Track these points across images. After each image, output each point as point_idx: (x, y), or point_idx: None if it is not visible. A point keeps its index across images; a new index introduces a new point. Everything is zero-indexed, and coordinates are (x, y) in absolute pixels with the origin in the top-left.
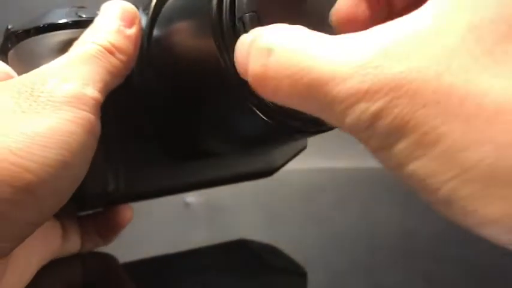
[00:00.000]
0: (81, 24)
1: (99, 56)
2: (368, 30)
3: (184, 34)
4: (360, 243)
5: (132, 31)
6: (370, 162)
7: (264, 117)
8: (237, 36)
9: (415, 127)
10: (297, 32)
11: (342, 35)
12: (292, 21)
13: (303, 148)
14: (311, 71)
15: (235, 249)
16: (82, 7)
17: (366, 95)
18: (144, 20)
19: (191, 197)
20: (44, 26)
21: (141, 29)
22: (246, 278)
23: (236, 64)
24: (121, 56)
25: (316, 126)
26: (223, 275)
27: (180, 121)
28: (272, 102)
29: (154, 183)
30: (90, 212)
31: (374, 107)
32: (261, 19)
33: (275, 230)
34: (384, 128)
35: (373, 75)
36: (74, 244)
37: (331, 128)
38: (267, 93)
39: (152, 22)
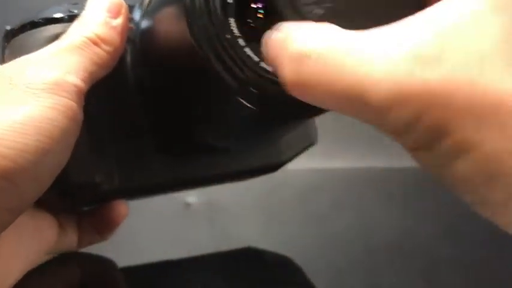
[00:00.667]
0: (74, 18)
1: (83, 47)
2: (401, 29)
3: (164, 24)
4: (359, 243)
5: (118, 22)
6: (370, 162)
7: (248, 105)
8: (210, 18)
9: (451, 133)
10: (329, 34)
11: (374, 33)
12: None
13: (311, 143)
14: (347, 76)
15: (242, 258)
16: (76, 3)
17: (403, 100)
18: (138, 13)
19: (192, 197)
20: (38, 20)
21: (128, 20)
22: None
23: (268, 61)
24: (107, 47)
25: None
26: (224, 285)
27: (172, 115)
28: (256, 88)
29: (149, 179)
30: (87, 208)
31: (410, 111)
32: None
33: (275, 229)
34: (420, 133)
35: (408, 82)
36: (70, 240)
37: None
38: (303, 97)
39: (143, 14)
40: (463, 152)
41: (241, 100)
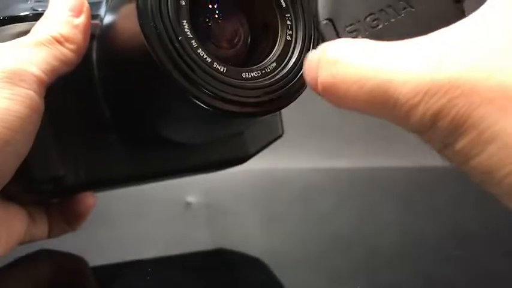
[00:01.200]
0: (37, 17)
1: (47, 43)
2: (422, 37)
3: (120, 23)
4: (359, 243)
5: (80, 20)
6: (370, 162)
7: (194, 100)
8: (163, 20)
9: (473, 125)
10: (358, 44)
11: (399, 42)
12: None
13: (278, 136)
14: (373, 77)
15: (212, 258)
16: (39, 1)
17: (425, 96)
18: (103, 10)
19: (192, 197)
20: (3, 18)
21: (90, 18)
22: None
23: (306, 78)
24: (70, 46)
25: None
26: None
27: (132, 110)
28: (206, 88)
29: (114, 172)
30: (55, 200)
31: (434, 107)
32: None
33: (275, 229)
34: (445, 127)
35: (430, 78)
36: (41, 230)
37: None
38: (336, 101)
39: (106, 10)
40: (487, 142)
41: (192, 98)
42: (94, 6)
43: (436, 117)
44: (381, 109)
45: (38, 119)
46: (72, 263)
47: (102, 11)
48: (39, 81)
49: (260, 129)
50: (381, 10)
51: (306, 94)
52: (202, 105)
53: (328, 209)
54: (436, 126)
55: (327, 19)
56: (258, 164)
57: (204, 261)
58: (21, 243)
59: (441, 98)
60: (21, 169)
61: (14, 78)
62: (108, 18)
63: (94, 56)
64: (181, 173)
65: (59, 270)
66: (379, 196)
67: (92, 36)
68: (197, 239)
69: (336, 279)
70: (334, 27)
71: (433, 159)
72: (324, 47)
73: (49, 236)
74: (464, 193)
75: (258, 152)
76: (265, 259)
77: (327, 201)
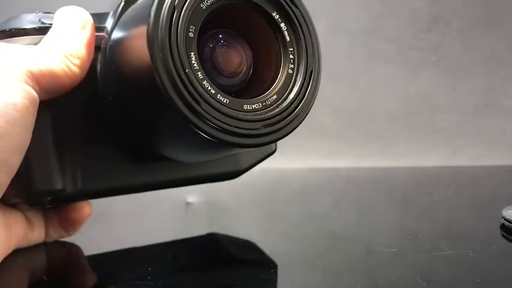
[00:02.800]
0: (44, 30)
1: (53, 53)
2: None
3: (130, 43)
4: (359, 243)
5: (83, 36)
6: (370, 162)
7: (198, 131)
8: (171, 51)
9: None
10: None
11: None
12: None
13: (272, 152)
14: None
15: (204, 243)
16: (48, 12)
17: None
18: (111, 22)
19: (192, 197)
20: (9, 30)
21: (94, 33)
22: (214, 271)
23: None
24: (74, 60)
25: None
26: (188, 269)
27: (133, 126)
28: (209, 120)
29: (111, 182)
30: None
31: None
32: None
33: (275, 229)
34: None
35: None
36: (38, 234)
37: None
38: None
39: (115, 24)
40: None
41: (196, 129)
42: (99, 17)
43: None
44: None
45: (34, 110)
46: (66, 250)
47: (108, 23)
48: (32, 76)
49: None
50: None
51: None
52: (205, 136)
53: (328, 208)
54: None
55: None
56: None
57: (203, 260)
58: (18, 247)
59: None
60: (23, 183)
61: (7, 73)
62: (117, 34)
63: (98, 67)
64: (177, 185)
65: (55, 259)
66: (379, 196)
67: (97, 48)
68: (197, 239)
69: (335, 278)
70: None
71: (431, 160)
72: None
73: (46, 239)
74: (461, 193)
75: (251, 167)
76: (264, 258)
77: (326, 201)
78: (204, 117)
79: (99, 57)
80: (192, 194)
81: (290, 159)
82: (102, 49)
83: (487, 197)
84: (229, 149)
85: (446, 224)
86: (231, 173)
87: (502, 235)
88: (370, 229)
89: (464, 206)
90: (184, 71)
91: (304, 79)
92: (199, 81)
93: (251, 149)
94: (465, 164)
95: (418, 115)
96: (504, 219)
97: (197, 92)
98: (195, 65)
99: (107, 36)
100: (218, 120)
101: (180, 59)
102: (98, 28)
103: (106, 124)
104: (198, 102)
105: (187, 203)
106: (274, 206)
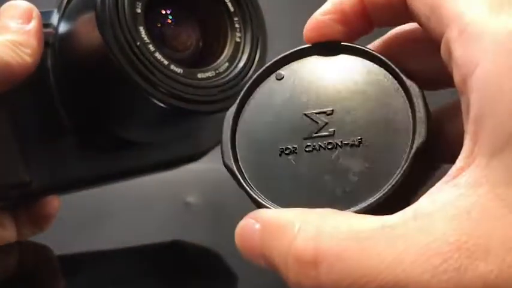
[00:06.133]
0: None
1: (5, 49)
2: (426, 220)
3: (79, 31)
4: None
5: (30, 26)
6: None
7: (156, 101)
8: (121, 27)
9: None
10: (339, 228)
11: (384, 221)
12: None
13: None
14: (373, 277)
15: (167, 251)
16: None
17: None
18: (56, 18)
19: (192, 197)
20: None
21: (41, 23)
22: (175, 281)
23: (242, 252)
24: (25, 49)
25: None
26: (150, 278)
27: (90, 113)
28: (165, 88)
29: (75, 174)
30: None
31: None
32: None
33: None
34: None
35: (464, 279)
36: (9, 232)
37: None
38: None
39: (60, 18)
40: None
41: (153, 100)
42: (44, 15)
43: None
44: None
45: None
46: (36, 251)
47: (54, 19)
48: None
49: (215, 128)
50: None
51: None
52: (163, 105)
53: None
54: None
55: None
56: None
57: (203, 260)
58: None
59: None
60: None
61: None
62: (64, 26)
63: (49, 62)
64: (137, 173)
65: (26, 260)
66: None
67: (46, 44)
68: (196, 239)
69: None
70: None
71: None
72: (272, 220)
73: (19, 238)
74: None
75: (211, 149)
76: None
77: None
78: (160, 87)
79: (49, 52)
80: (192, 194)
81: None
82: (51, 44)
83: None
84: (189, 120)
85: None
86: (192, 155)
87: None
88: None
89: None
90: (136, 43)
91: (252, 46)
92: (151, 53)
93: (214, 131)
94: None
95: None
96: None
97: (151, 63)
98: (145, 38)
99: (54, 31)
100: (174, 88)
101: (130, 33)
102: (44, 25)
103: (63, 117)
104: (152, 73)
105: (187, 203)
106: None
